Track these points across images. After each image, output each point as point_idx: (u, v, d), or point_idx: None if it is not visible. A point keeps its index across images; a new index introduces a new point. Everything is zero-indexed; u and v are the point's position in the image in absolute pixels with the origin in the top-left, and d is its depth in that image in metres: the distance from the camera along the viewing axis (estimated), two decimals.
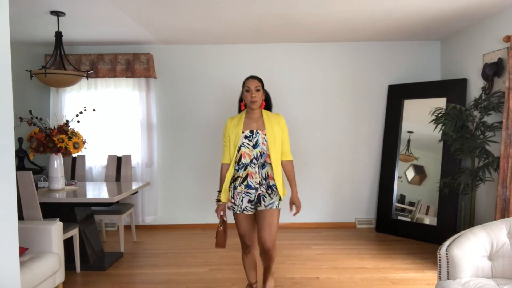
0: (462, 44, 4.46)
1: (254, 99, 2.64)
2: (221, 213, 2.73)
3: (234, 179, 2.71)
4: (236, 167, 2.71)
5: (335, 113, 5.10)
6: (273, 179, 2.69)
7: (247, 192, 2.68)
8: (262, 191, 2.68)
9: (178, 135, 5.13)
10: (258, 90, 2.66)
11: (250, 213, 2.72)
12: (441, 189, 4.20)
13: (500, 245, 2.23)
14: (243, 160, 2.67)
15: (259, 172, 2.67)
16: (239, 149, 2.68)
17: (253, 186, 2.67)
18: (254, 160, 2.67)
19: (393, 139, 4.86)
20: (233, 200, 2.71)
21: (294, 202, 2.75)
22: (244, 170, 2.67)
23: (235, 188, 2.70)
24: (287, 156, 2.76)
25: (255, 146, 2.67)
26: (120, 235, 4.13)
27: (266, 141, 2.66)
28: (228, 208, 2.75)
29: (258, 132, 2.67)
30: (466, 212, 3.93)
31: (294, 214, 2.76)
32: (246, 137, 2.67)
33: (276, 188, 2.68)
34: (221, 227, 2.72)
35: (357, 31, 4.48)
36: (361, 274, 3.51)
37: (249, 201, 2.69)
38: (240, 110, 2.82)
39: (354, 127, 5.09)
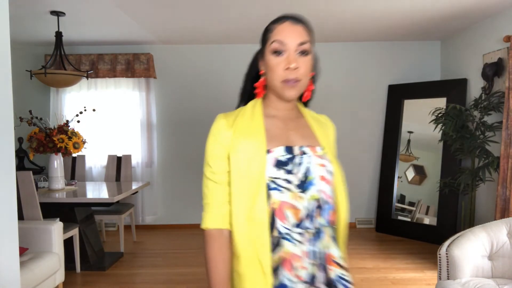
0: (462, 44, 4.46)
1: (296, 73, 1.09)
2: None
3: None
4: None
5: (335, 113, 5.06)
6: (340, 265, 1.11)
7: None
8: None
9: (178, 135, 5.13)
10: (305, 54, 1.11)
11: None
12: (441, 189, 4.19)
13: (500, 245, 2.23)
14: (281, 225, 1.06)
15: (311, 253, 1.08)
16: (268, 195, 1.06)
17: (290, 285, 1.05)
18: (307, 223, 1.07)
19: (393, 139, 4.86)
20: None
21: None
22: (276, 248, 1.06)
23: None
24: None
25: (304, 185, 1.08)
26: (120, 235, 4.13)
27: (330, 172, 1.15)
28: None
29: (305, 153, 1.12)
30: (466, 212, 3.93)
31: None
32: (280, 163, 1.08)
33: (350, 283, 1.12)
34: None
35: (357, 31, 4.48)
36: (361, 274, 3.51)
37: None
38: (245, 102, 1.25)
39: (354, 127, 5.09)
